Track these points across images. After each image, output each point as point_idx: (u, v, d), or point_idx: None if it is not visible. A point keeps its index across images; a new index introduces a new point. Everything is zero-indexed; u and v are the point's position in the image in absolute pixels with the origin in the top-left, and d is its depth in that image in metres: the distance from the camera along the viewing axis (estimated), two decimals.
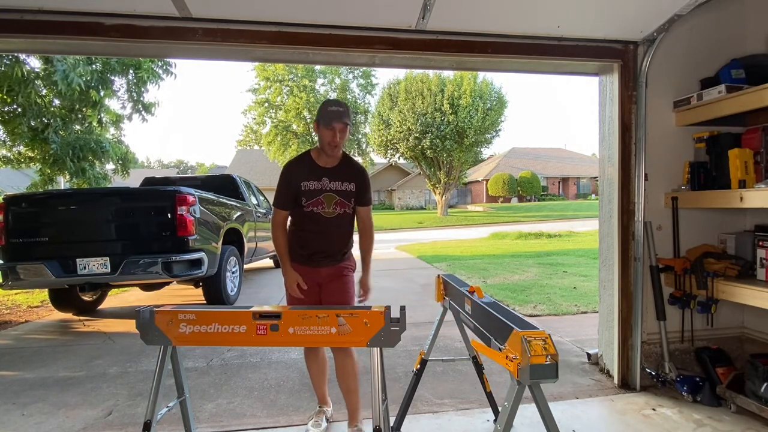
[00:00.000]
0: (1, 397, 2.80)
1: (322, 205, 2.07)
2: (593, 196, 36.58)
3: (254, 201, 6.99)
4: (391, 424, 2.13)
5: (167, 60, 7.23)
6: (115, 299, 5.99)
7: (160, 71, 7.20)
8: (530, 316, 4.47)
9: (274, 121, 25.92)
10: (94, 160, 7.50)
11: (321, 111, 2.01)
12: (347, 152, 2.21)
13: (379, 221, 21.75)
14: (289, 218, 2.18)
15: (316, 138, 2.11)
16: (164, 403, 1.73)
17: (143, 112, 7.48)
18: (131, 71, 7.01)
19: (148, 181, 6.57)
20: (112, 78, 6.93)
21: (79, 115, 7.16)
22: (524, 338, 1.21)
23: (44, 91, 6.57)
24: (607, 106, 2.81)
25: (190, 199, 4.18)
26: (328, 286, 2.16)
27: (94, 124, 7.13)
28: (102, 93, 6.75)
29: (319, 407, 2.36)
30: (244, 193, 6.58)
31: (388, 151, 24.89)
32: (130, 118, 7.50)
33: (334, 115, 1.97)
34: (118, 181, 8.35)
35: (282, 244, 2.15)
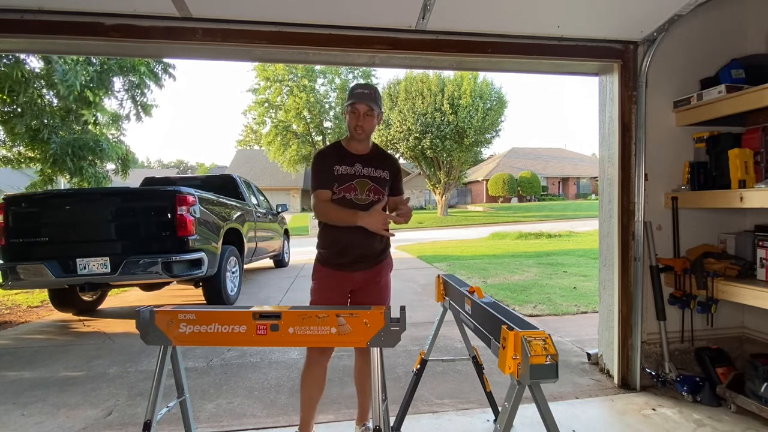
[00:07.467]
0: (1, 397, 2.80)
1: (354, 191, 1.96)
2: (593, 196, 36.55)
3: (254, 201, 6.99)
4: (391, 424, 2.13)
5: (167, 62, 7.24)
6: (115, 299, 5.99)
7: (160, 72, 7.20)
8: (530, 316, 4.47)
9: (274, 121, 25.93)
10: (94, 160, 7.51)
11: (348, 93, 1.97)
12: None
13: None
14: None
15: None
16: (164, 403, 1.73)
17: (141, 113, 7.50)
18: (130, 75, 7.03)
19: (148, 181, 6.58)
20: (111, 79, 6.95)
21: (76, 116, 7.17)
22: (524, 338, 1.21)
23: (44, 91, 6.58)
24: (607, 106, 2.81)
25: (190, 199, 4.18)
26: (363, 290, 2.01)
27: (89, 124, 7.13)
28: (98, 93, 6.76)
29: None
30: (244, 193, 6.59)
31: (388, 151, 24.82)
32: (128, 117, 7.53)
33: (356, 97, 1.93)
34: (118, 181, 8.36)
35: (335, 208, 1.93)
